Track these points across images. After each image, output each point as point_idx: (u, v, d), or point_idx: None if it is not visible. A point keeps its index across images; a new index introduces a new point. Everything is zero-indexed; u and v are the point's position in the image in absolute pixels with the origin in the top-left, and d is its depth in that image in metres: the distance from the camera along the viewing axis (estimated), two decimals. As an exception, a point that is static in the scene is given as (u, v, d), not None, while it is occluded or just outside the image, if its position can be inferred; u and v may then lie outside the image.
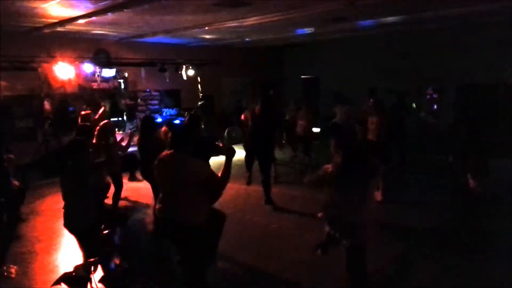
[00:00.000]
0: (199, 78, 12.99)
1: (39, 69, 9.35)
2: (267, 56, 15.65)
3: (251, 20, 7.96)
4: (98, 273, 3.58)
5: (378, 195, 6.87)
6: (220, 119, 13.85)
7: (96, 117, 7.14)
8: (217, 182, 3.65)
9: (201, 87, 13.22)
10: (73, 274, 3.54)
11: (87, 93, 10.63)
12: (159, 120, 11.68)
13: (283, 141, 9.05)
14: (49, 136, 9.55)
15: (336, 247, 3.86)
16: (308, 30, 9.98)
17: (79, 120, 6.71)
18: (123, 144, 6.51)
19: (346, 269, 3.74)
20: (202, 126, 12.70)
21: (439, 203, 6.96)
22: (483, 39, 10.86)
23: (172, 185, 3.59)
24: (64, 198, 4.16)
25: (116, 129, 11.70)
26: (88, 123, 6.03)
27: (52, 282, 3.78)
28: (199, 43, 12.45)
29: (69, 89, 10.09)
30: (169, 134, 3.74)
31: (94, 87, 10.82)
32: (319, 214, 3.77)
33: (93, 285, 3.54)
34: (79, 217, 4.08)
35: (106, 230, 4.38)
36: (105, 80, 10.95)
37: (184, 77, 12.45)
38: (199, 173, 3.53)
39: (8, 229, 5.92)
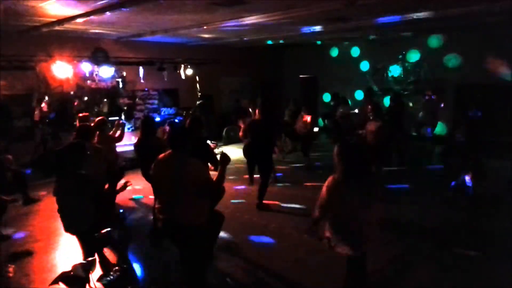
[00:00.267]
0: (197, 78, 12.97)
1: (37, 68, 9.31)
2: (266, 56, 15.64)
3: (250, 20, 7.95)
4: (96, 273, 3.57)
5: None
6: (219, 118, 13.84)
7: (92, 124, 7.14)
8: (212, 187, 3.66)
9: (199, 87, 13.21)
10: (71, 273, 3.52)
11: (85, 93, 10.60)
12: (158, 119, 11.68)
13: (282, 147, 9.07)
14: (47, 136, 9.51)
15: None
16: (315, 29, 9.92)
17: (77, 122, 6.71)
18: (116, 135, 6.55)
19: (345, 276, 3.72)
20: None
21: (439, 203, 6.96)
22: (483, 39, 10.89)
23: (172, 186, 3.57)
24: (60, 201, 4.09)
25: (114, 129, 11.74)
26: (87, 124, 6.02)
27: (50, 282, 3.76)
28: (197, 42, 12.42)
29: (67, 88, 10.05)
30: (167, 134, 3.70)
31: (92, 86, 10.79)
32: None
33: (92, 284, 3.52)
34: (79, 218, 4.05)
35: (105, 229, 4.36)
36: (104, 79, 10.92)
37: (183, 76, 12.43)
38: (198, 174, 3.53)
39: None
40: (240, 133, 7.26)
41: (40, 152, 9.28)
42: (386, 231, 5.79)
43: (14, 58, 8.88)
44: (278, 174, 8.81)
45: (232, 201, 7.29)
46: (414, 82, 12.60)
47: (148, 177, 5.60)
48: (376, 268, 4.67)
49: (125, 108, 11.72)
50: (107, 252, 4.60)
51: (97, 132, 6.09)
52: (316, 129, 9.85)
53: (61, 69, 9.42)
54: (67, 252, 5.18)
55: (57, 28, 8.14)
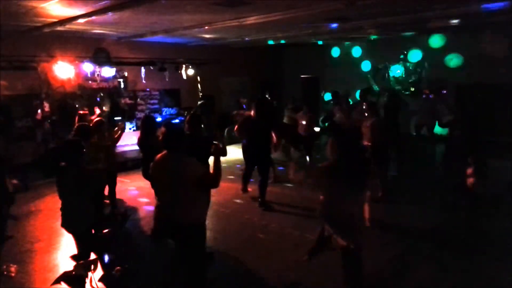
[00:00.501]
0: (199, 78, 12.98)
1: (39, 69, 9.33)
2: (267, 56, 15.65)
3: (251, 20, 7.96)
4: (98, 272, 3.58)
5: (378, 192, 6.96)
6: (220, 118, 13.85)
7: (92, 117, 7.18)
8: (210, 180, 3.70)
9: (201, 87, 13.22)
10: (73, 273, 3.54)
11: (87, 93, 10.63)
12: (159, 119, 11.70)
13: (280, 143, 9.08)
14: (49, 136, 9.54)
15: (327, 250, 3.88)
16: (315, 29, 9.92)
17: (76, 120, 6.74)
18: (115, 136, 6.61)
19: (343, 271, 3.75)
20: (202, 126, 12.82)
21: (439, 203, 6.97)
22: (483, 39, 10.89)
23: (170, 186, 3.60)
24: (62, 198, 4.14)
25: (116, 128, 11.77)
26: (86, 123, 6.06)
27: (51, 281, 3.78)
28: (199, 43, 12.44)
29: (68, 89, 10.07)
30: (162, 135, 3.75)
31: (94, 86, 10.82)
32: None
33: (93, 284, 3.54)
34: (77, 217, 4.07)
35: (105, 229, 4.38)
36: (105, 79, 10.95)
37: (184, 77, 12.44)
38: (194, 171, 3.56)
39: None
40: (235, 129, 7.22)
41: (41, 152, 9.31)
42: (386, 231, 5.81)
43: (16, 59, 8.90)
44: (280, 168, 8.86)
45: (232, 201, 7.31)
46: (415, 82, 12.60)
47: (147, 176, 5.63)
48: (376, 268, 4.69)
49: (127, 108, 11.74)
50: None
51: (95, 132, 6.09)
52: (317, 129, 9.84)
53: (63, 70, 9.45)
54: (68, 252, 5.19)
55: (58, 28, 8.17)
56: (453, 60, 11.57)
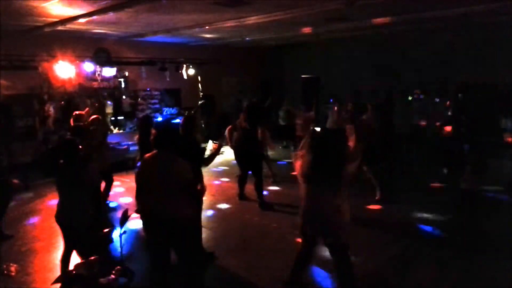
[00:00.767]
0: (199, 78, 12.99)
1: (40, 68, 9.34)
2: (267, 56, 15.64)
3: (252, 20, 7.97)
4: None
5: (376, 194, 7.05)
6: (221, 118, 13.85)
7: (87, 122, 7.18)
8: (193, 189, 3.83)
9: (201, 87, 13.23)
10: (73, 272, 3.54)
11: (90, 92, 10.67)
12: (160, 119, 11.71)
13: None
14: (50, 135, 9.55)
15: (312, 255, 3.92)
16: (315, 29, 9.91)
17: (72, 120, 6.76)
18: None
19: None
20: (203, 125, 12.85)
21: (438, 203, 6.96)
22: (483, 39, 10.87)
23: (159, 184, 3.63)
24: (60, 195, 4.18)
25: (117, 128, 11.80)
26: (81, 123, 6.10)
27: (52, 281, 3.77)
28: (199, 42, 12.45)
29: (69, 88, 10.08)
30: (153, 135, 3.83)
31: (95, 86, 10.82)
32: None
33: (93, 284, 3.54)
34: (75, 213, 4.11)
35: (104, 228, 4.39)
36: (106, 79, 10.95)
37: (185, 76, 12.44)
38: (182, 173, 3.62)
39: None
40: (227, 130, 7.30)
41: (42, 151, 9.32)
42: (386, 231, 5.81)
43: (16, 58, 8.91)
44: (281, 162, 8.86)
45: (232, 201, 7.32)
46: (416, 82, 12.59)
47: None
48: (376, 268, 4.69)
49: (130, 110, 11.77)
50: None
51: (91, 130, 6.15)
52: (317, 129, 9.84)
53: (64, 69, 9.45)
54: (72, 254, 5.19)
55: (59, 28, 8.19)
56: (453, 60, 11.57)
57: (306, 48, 14.96)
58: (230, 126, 7.27)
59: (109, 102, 11.55)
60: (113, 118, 11.61)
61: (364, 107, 7.41)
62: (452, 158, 7.77)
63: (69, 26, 8.11)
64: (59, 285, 3.83)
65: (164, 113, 12.54)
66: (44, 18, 7.58)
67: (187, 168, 3.66)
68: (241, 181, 7.37)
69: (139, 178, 3.83)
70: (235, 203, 7.21)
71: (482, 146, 7.67)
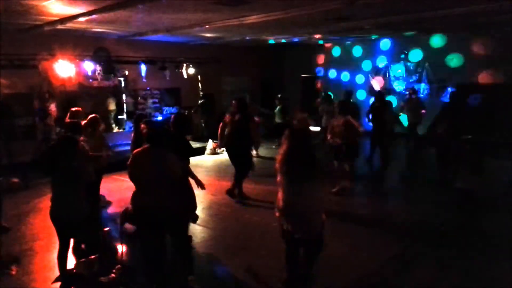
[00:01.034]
0: (199, 77, 12.99)
1: (39, 67, 9.34)
2: (267, 55, 15.64)
3: (252, 19, 7.96)
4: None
5: (347, 183, 7.44)
6: (220, 117, 13.83)
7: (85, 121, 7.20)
8: (179, 184, 3.99)
9: (201, 86, 13.23)
10: (74, 271, 3.56)
11: (91, 92, 10.69)
12: (160, 118, 11.71)
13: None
14: (50, 134, 9.54)
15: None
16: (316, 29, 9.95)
17: (68, 116, 6.78)
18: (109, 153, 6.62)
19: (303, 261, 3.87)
20: (203, 125, 12.85)
21: (439, 203, 6.97)
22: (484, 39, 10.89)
23: (151, 176, 3.78)
24: (54, 190, 4.23)
25: (117, 127, 11.81)
26: (76, 120, 6.12)
27: (52, 280, 3.80)
28: (199, 42, 12.44)
29: (69, 87, 10.08)
30: (145, 131, 4.05)
31: (95, 85, 10.82)
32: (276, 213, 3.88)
33: (93, 283, 3.55)
34: (70, 209, 4.16)
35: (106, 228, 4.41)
36: (106, 78, 10.95)
37: (185, 76, 12.45)
38: (172, 167, 3.84)
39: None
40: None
41: (42, 150, 9.30)
42: (386, 231, 5.81)
43: (16, 57, 8.91)
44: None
45: (232, 200, 7.31)
46: (416, 82, 12.62)
47: None
48: (376, 268, 4.69)
49: (133, 109, 11.78)
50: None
51: (89, 129, 6.15)
52: (317, 129, 9.85)
53: (63, 68, 9.45)
54: (68, 251, 5.20)
55: (59, 27, 8.17)
56: (454, 60, 11.59)
57: (307, 47, 14.96)
58: (221, 124, 7.42)
59: (112, 99, 11.60)
60: (119, 117, 11.69)
61: (346, 107, 7.59)
62: (446, 157, 7.84)
63: (69, 25, 8.10)
64: (59, 284, 3.85)
65: (164, 112, 12.54)
66: (43, 17, 7.57)
67: (177, 162, 3.89)
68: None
69: (132, 171, 3.96)
70: (235, 203, 7.20)
71: (480, 146, 7.68)
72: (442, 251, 5.11)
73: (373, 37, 12.68)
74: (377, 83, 13.51)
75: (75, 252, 4.73)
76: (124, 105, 11.89)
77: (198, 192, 6.44)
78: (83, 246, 4.65)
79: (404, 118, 10.76)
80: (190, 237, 5.45)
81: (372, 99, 11.69)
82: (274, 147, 11.66)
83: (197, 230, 5.90)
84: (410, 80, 12.73)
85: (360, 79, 14.06)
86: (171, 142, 4.13)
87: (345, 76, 14.50)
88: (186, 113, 6.90)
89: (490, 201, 6.88)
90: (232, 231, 5.94)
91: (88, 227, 4.33)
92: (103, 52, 10.93)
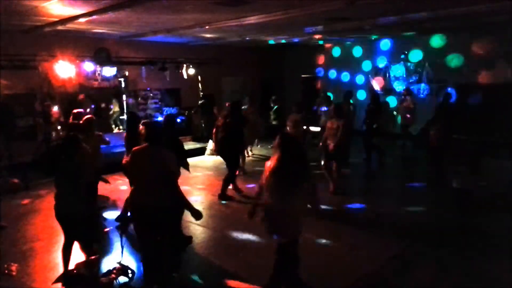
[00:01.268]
0: (199, 77, 12.99)
1: (40, 68, 9.34)
2: (267, 55, 15.64)
3: (252, 19, 7.97)
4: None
5: (331, 187, 7.52)
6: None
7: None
8: (173, 180, 3.99)
9: (201, 86, 13.22)
10: (74, 272, 3.55)
11: (93, 92, 10.71)
12: (160, 119, 11.71)
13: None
14: (50, 135, 9.54)
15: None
16: (316, 29, 9.96)
17: (71, 118, 6.82)
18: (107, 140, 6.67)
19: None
20: (203, 125, 12.84)
21: (439, 203, 6.97)
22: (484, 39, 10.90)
23: (150, 173, 3.88)
24: (57, 187, 4.31)
25: (117, 128, 11.82)
26: (76, 121, 6.22)
27: (52, 281, 3.79)
28: (199, 42, 12.44)
29: (69, 88, 10.08)
30: (143, 130, 4.19)
31: (95, 86, 10.83)
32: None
33: (94, 283, 3.55)
34: (72, 205, 4.23)
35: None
36: (106, 79, 10.95)
37: (185, 76, 12.45)
38: (168, 163, 3.93)
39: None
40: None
41: (42, 151, 9.31)
42: (386, 231, 5.81)
43: (17, 58, 8.91)
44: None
45: (232, 201, 7.32)
46: (416, 82, 12.62)
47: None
48: (376, 268, 4.69)
49: (136, 110, 11.78)
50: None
51: (86, 130, 6.17)
52: (316, 129, 9.83)
53: (64, 69, 9.46)
54: (73, 245, 5.20)
55: (59, 27, 8.18)
56: (454, 61, 11.60)
57: (307, 48, 14.96)
58: (214, 129, 7.72)
59: (115, 100, 11.64)
60: (120, 117, 11.74)
61: (341, 110, 7.67)
62: (438, 158, 7.89)
63: (69, 25, 8.11)
64: (59, 284, 3.85)
65: (164, 112, 12.54)
66: (44, 18, 7.58)
67: (173, 159, 4.00)
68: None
69: (131, 170, 4.06)
70: (235, 203, 7.21)
71: (478, 146, 7.70)
72: (442, 251, 5.11)
73: (373, 37, 12.70)
74: (377, 84, 13.52)
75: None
76: (125, 105, 11.88)
77: (198, 193, 6.45)
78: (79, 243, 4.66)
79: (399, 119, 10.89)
80: (191, 237, 5.50)
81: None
82: (270, 147, 11.67)
83: (197, 231, 5.90)
84: (410, 80, 12.73)
85: (360, 79, 14.07)
86: (169, 142, 4.27)
87: (345, 76, 14.52)
88: (173, 116, 7.09)
89: (490, 201, 6.87)
90: (232, 231, 5.94)
91: (88, 225, 4.42)
92: (104, 53, 10.94)
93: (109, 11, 6.69)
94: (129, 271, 4.01)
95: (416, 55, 12.49)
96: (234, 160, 7.52)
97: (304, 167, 3.68)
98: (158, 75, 11.92)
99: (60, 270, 4.40)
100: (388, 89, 13.26)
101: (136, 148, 4.09)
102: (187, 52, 12.74)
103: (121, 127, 11.90)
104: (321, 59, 15.31)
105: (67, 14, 7.24)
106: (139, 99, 12.19)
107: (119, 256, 4.66)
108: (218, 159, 11.03)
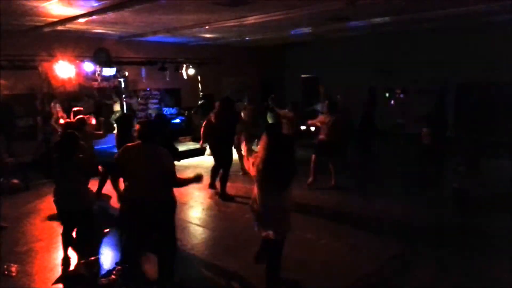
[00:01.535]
0: (199, 77, 12.98)
1: (40, 68, 9.34)
2: (267, 55, 15.64)
3: (252, 19, 7.97)
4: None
5: (332, 181, 7.67)
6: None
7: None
8: (174, 179, 3.97)
9: (201, 86, 13.22)
10: (74, 272, 3.56)
11: (94, 92, 10.72)
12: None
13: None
14: (50, 135, 9.54)
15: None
16: (305, 30, 10.00)
17: (71, 115, 6.88)
18: (100, 132, 6.70)
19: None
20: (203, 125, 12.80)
21: (437, 203, 6.97)
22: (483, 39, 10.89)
23: (143, 170, 3.84)
24: (57, 183, 4.39)
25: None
26: (70, 120, 6.29)
27: (52, 281, 3.80)
28: (199, 42, 12.44)
29: (69, 88, 10.08)
30: (138, 129, 4.13)
31: (95, 86, 10.82)
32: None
33: (94, 284, 3.55)
34: (73, 200, 4.32)
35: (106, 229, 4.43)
36: (106, 79, 10.95)
37: (185, 76, 12.44)
38: (165, 162, 3.90)
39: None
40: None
41: (42, 151, 9.31)
42: (386, 231, 5.81)
43: (16, 58, 8.91)
44: None
45: (233, 200, 7.32)
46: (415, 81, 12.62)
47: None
48: (376, 268, 4.69)
49: (138, 110, 11.79)
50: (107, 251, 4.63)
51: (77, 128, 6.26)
52: (303, 128, 9.70)
53: (64, 69, 9.45)
54: (69, 251, 5.20)
55: (59, 28, 8.19)
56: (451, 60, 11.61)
57: (307, 47, 14.94)
58: (205, 122, 7.55)
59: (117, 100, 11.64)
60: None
61: (335, 106, 7.74)
62: (430, 156, 7.91)
63: (69, 26, 8.11)
64: (59, 285, 3.86)
65: (164, 113, 12.54)
66: (44, 18, 7.58)
67: (169, 157, 3.99)
68: (214, 171, 7.75)
69: (124, 167, 3.97)
70: (235, 203, 7.21)
71: (477, 146, 7.70)
72: (442, 251, 5.11)
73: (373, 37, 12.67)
74: None
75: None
76: (124, 105, 11.87)
77: (198, 193, 6.43)
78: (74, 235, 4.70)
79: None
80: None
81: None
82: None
83: (197, 231, 5.90)
84: (411, 79, 12.70)
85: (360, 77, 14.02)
86: (163, 140, 4.29)
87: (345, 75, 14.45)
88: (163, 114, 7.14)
89: (490, 201, 6.87)
90: (232, 231, 5.93)
91: (88, 223, 4.48)
92: (103, 53, 10.93)
93: (109, 11, 6.69)
94: (129, 272, 4.01)
95: (415, 54, 12.46)
96: (227, 158, 7.40)
97: (291, 160, 3.67)
98: (158, 75, 11.91)
99: (60, 270, 4.41)
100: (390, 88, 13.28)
101: (127, 144, 4.05)
102: (187, 52, 12.73)
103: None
104: (322, 59, 15.27)
105: (67, 14, 7.24)
106: (139, 99, 12.19)
107: (119, 256, 4.67)
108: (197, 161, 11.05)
